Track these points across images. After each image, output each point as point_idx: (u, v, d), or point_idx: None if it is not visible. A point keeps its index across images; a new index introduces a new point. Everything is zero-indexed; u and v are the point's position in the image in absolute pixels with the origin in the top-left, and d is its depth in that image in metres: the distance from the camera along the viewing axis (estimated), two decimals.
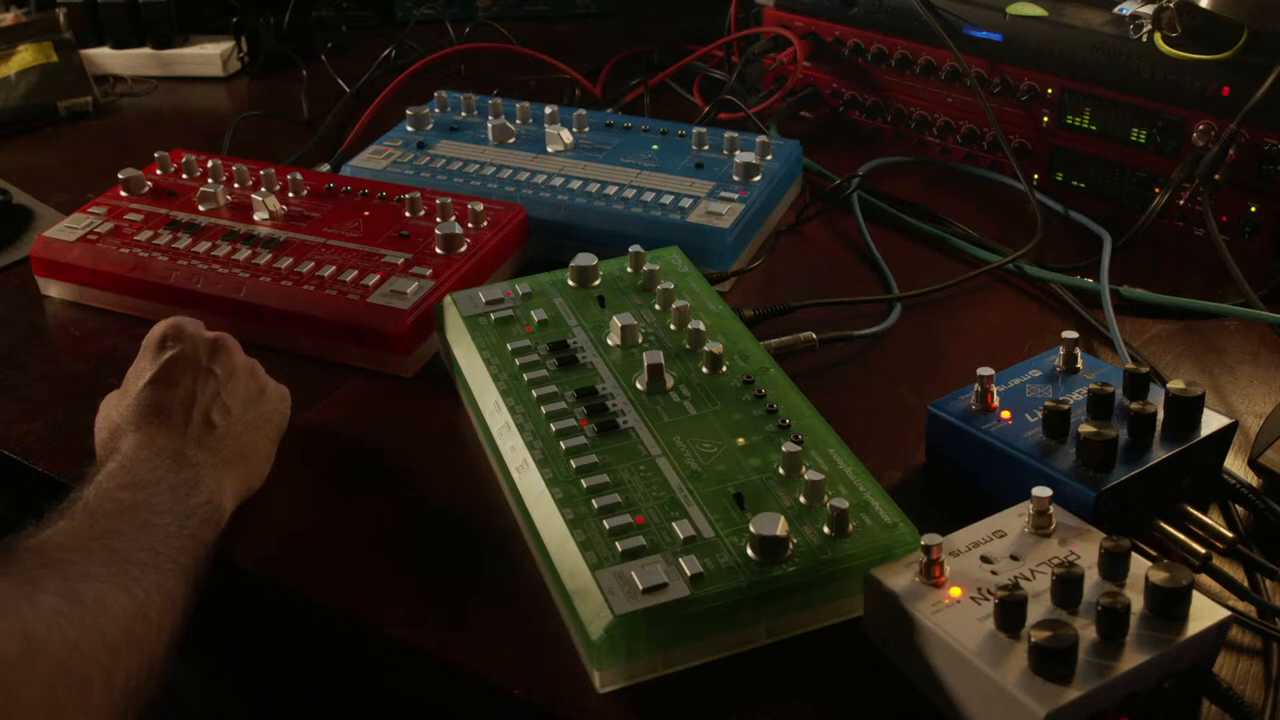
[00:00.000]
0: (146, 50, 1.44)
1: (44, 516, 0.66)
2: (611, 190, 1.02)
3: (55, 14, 1.41)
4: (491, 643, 0.67)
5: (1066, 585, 0.59)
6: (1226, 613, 0.59)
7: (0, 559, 0.60)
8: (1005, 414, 0.73)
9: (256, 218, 0.99)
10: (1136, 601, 0.58)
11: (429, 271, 0.92)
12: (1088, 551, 0.63)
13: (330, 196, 1.03)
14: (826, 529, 0.66)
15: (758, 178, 1.03)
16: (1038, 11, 1.08)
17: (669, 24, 1.49)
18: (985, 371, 0.74)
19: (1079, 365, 0.77)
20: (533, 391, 0.77)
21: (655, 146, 1.09)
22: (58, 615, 0.57)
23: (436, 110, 1.17)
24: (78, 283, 0.98)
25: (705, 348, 0.79)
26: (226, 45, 1.44)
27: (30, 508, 0.67)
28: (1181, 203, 1.02)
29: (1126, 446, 0.70)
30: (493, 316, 0.84)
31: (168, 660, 0.63)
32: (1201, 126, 0.99)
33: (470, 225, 0.97)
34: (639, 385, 0.77)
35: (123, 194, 1.04)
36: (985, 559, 0.63)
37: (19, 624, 0.55)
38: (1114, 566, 0.61)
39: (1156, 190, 1.03)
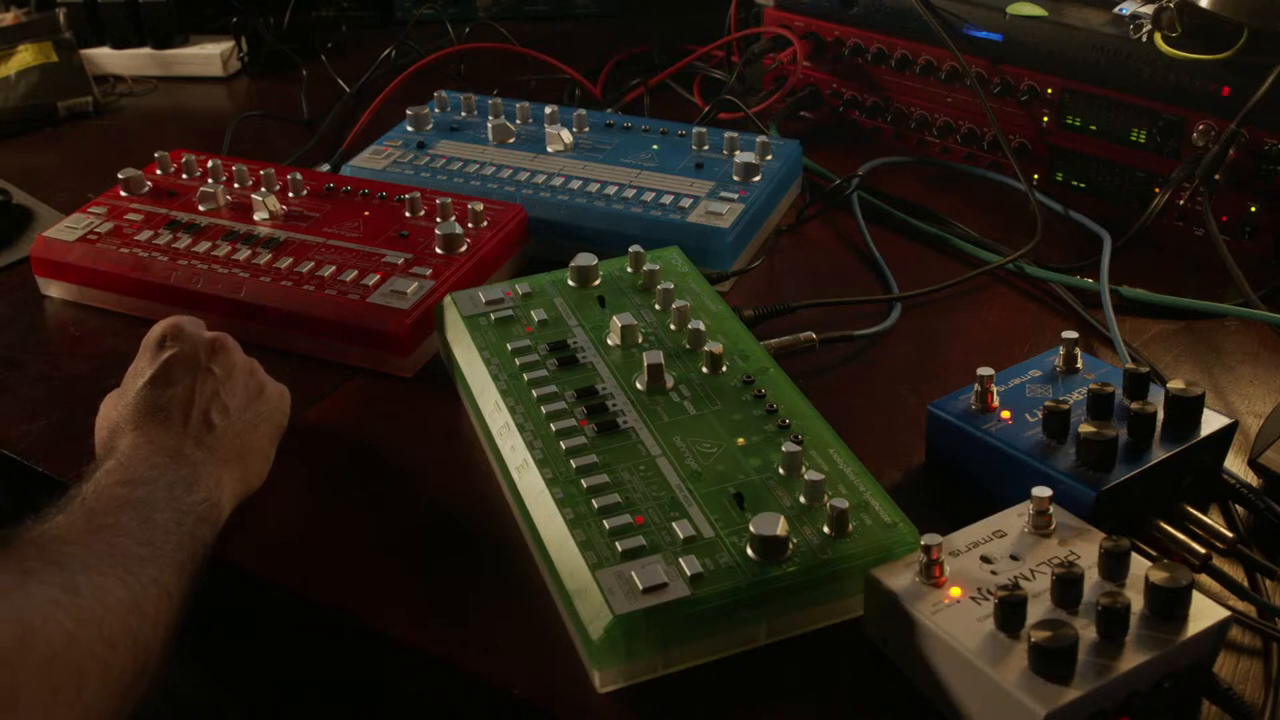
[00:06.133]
0: (146, 50, 1.44)
1: (42, 512, 0.66)
2: (611, 190, 1.02)
3: (55, 14, 1.41)
4: (491, 643, 0.67)
5: (1066, 585, 0.59)
6: (1226, 613, 0.59)
7: None
8: (1005, 414, 0.73)
9: (256, 218, 0.99)
10: (1136, 601, 0.58)
11: (429, 271, 0.92)
12: (1088, 551, 0.63)
13: (330, 196, 1.03)
14: (826, 529, 0.66)
15: (758, 178, 1.03)
16: (1038, 11, 1.08)
17: (669, 24, 1.49)
18: (985, 371, 0.74)
19: (1079, 365, 0.77)
20: (533, 391, 0.77)
21: (655, 146, 1.09)
22: (55, 606, 0.57)
23: (436, 110, 1.17)
24: (78, 283, 0.98)
25: (705, 348, 0.79)
26: (226, 45, 1.44)
27: (31, 508, 0.67)
28: (1181, 203, 1.02)
29: (1126, 446, 0.70)
30: (493, 316, 0.84)
31: (163, 656, 0.63)
32: (1201, 126, 0.99)
33: (470, 225, 0.97)
34: (639, 385, 0.77)
35: (123, 194, 1.04)
36: (985, 559, 0.63)
37: (15, 614, 0.55)
38: (1114, 566, 0.61)
39: (1156, 190, 1.03)
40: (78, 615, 0.57)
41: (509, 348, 0.81)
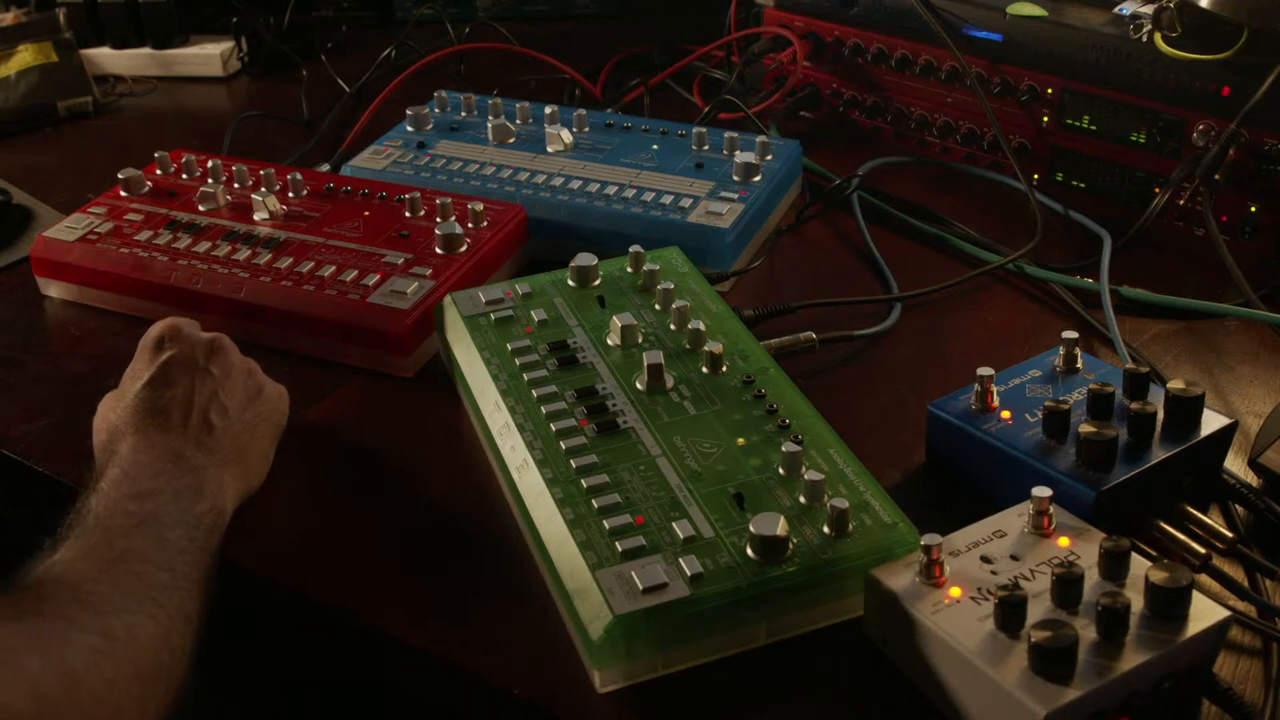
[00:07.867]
0: (146, 50, 1.44)
1: (56, 534, 0.66)
2: (611, 190, 1.02)
3: (55, 14, 1.41)
4: (491, 642, 0.67)
5: (1066, 585, 0.59)
6: (1226, 613, 0.59)
7: (32, 598, 0.60)
8: (1005, 414, 0.73)
9: (256, 218, 0.99)
10: (1136, 601, 0.58)
11: (429, 271, 0.92)
12: (1088, 551, 0.63)
13: (330, 196, 1.03)
14: (826, 529, 0.66)
15: (758, 178, 1.03)
16: (1038, 11, 1.08)
17: (669, 24, 1.49)
18: (985, 371, 0.74)
19: (1079, 365, 0.77)
20: (533, 391, 0.77)
21: (655, 146, 1.09)
22: (96, 654, 0.58)
23: (436, 110, 1.17)
24: (78, 283, 0.98)
25: (705, 348, 0.79)
26: (226, 45, 1.44)
27: (30, 508, 0.67)
28: (1181, 203, 1.02)
29: (1126, 446, 0.70)
30: (493, 316, 0.84)
31: (188, 683, 0.63)
32: (1201, 126, 0.99)
33: (470, 225, 0.97)
34: (639, 385, 0.77)
35: (123, 194, 1.04)
36: (985, 559, 0.63)
37: (61, 664, 0.56)
38: (1114, 566, 0.61)
39: (1156, 190, 1.03)
40: (116, 660, 0.58)
41: (509, 348, 0.81)
